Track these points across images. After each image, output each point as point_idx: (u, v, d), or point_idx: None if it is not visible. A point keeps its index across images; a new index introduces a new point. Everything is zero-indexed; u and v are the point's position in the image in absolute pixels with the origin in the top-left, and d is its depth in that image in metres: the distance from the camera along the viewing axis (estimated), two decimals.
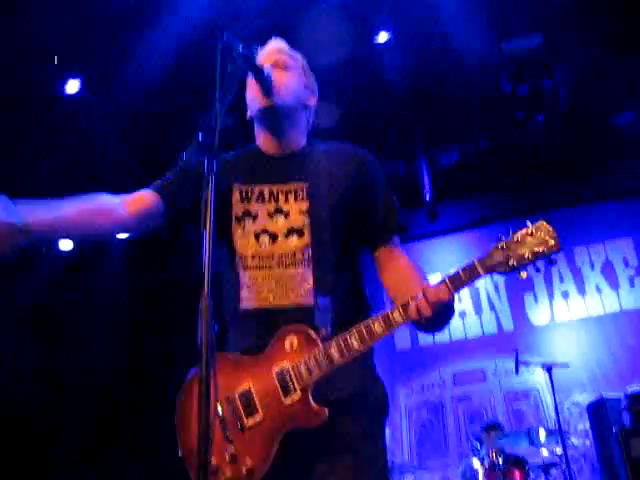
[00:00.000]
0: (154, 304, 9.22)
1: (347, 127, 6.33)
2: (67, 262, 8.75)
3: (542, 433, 6.35)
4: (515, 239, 2.22)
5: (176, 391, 2.50)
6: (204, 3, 5.97)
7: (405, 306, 2.26)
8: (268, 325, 2.42)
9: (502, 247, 2.23)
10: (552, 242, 2.19)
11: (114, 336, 8.86)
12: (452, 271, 2.26)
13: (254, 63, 2.44)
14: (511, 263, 2.21)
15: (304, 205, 2.54)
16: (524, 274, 2.22)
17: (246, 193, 2.61)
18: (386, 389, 2.55)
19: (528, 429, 6.53)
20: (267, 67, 2.60)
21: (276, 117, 2.65)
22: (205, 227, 1.86)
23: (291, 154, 2.69)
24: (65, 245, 8.60)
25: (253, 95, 2.65)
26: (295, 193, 2.57)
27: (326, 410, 2.25)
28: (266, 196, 2.58)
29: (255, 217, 2.56)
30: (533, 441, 6.38)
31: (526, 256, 2.20)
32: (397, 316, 2.27)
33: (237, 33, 2.22)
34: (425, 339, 8.61)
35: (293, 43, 2.86)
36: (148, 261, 9.12)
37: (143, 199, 2.66)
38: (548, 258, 2.20)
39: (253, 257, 2.52)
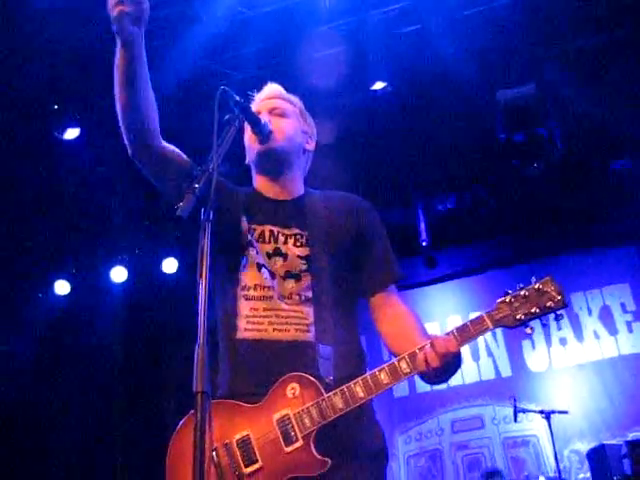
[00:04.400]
0: (149, 350, 9.20)
1: (343, 174, 6.36)
2: (64, 305, 8.74)
3: None
4: (522, 294, 2.25)
5: (168, 437, 2.41)
6: (202, 49, 6.04)
7: (413, 356, 2.25)
8: (267, 358, 2.39)
9: (509, 301, 2.25)
10: (559, 297, 2.23)
11: (107, 386, 8.86)
12: (459, 324, 2.27)
13: (251, 113, 2.45)
14: (518, 317, 2.24)
15: (303, 251, 2.53)
16: (530, 329, 2.25)
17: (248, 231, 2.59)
18: (385, 437, 2.52)
19: (527, 477, 6.45)
20: (264, 115, 2.62)
21: (274, 161, 2.65)
22: (201, 275, 1.82)
23: (291, 200, 2.67)
24: (62, 289, 8.60)
25: (250, 142, 2.66)
26: (295, 238, 2.55)
27: (329, 460, 2.21)
28: (266, 236, 2.56)
29: (257, 252, 2.54)
30: None
31: (533, 311, 2.23)
32: (404, 366, 2.26)
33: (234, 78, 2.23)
34: (423, 386, 8.53)
35: (289, 87, 2.86)
36: (145, 306, 9.10)
37: (179, 152, 2.60)
38: (555, 313, 2.23)
39: (256, 287, 2.49)
